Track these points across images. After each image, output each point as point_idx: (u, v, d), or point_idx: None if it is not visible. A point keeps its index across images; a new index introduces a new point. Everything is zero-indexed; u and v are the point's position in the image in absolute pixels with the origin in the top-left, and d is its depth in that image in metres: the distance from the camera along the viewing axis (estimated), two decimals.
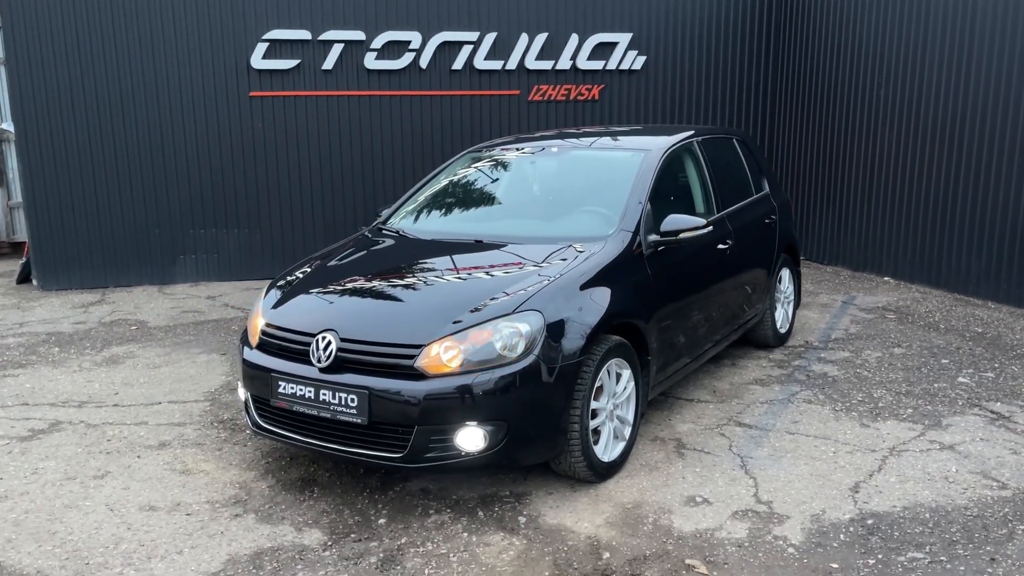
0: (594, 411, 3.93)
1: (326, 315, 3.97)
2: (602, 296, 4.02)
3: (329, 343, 3.75)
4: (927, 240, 8.17)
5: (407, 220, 5.15)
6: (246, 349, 4.15)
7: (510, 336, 3.63)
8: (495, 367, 3.58)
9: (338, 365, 3.72)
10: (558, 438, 3.76)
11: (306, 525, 3.68)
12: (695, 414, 4.93)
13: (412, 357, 3.60)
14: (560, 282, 3.93)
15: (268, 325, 4.11)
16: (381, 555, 3.43)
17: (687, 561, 3.34)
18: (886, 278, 8.63)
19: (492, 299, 3.80)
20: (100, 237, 8.77)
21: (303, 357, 3.83)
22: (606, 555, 3.40)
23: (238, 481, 4.12)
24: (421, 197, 5.36)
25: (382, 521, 3.72)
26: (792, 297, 6.51)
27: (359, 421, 3.63)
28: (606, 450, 4.04)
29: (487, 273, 4.16)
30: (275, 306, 4.22)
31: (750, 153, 6.25)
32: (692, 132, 5.49)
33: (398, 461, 3.61)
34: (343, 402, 3.65)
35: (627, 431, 4.20)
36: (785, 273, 6.36)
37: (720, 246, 5.15)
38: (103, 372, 5.90)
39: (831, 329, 6.79)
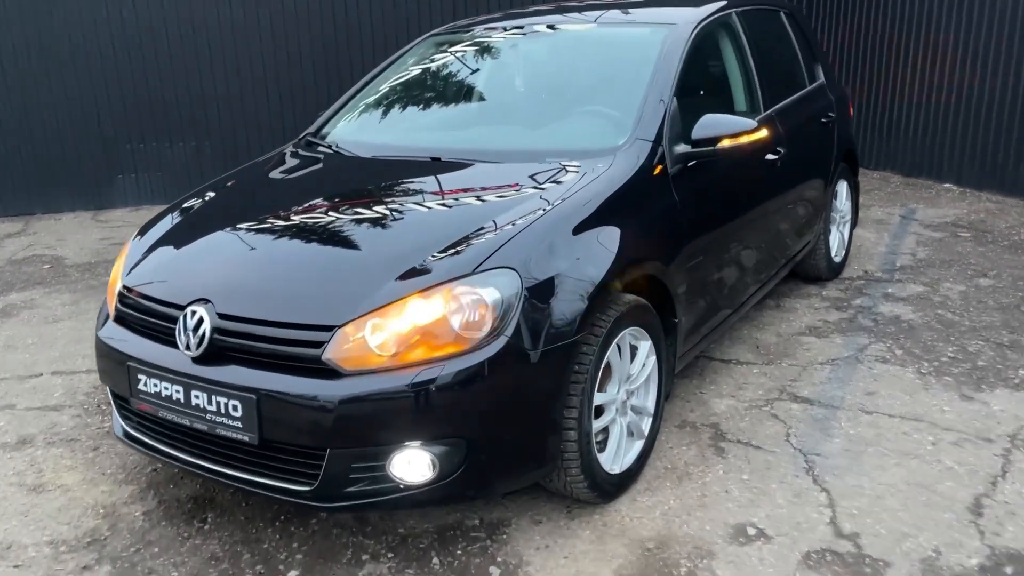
0: (599, 407, 2.71)
1: (203, 277, 2.71)
2: (610, 238, 2.74)
3: (201, 321, 2.51)
4: (1000, 140, 6.76)
5: (346, 129, 3.82)
6: (104, 321, 2.92)
7: (470, 308, 2.39)
8: (448, 356, 2.35)
9: (215, 353, 2.50)
10: (546, 453, 2.55)
11: None
12: (734, 382, 3.71)
13: (319, 345, 2.36)
14: (546, 220, 2.65)
15: (127, 289, 2.87)
16: None
17: None
18: (948, 185, 7.26)
19: (445, 251, 2.53)
20: (21, 155, 7.46)
21: (171, 339, 2.60)
22: None
23: (105, 504, 2.95)
24: (369, 98, 4.01)
25: (293, 574, 2.56)
26: (849, 217, 5.20)
27: (246, 439, 2.43)
28: (616, 457, 2.84)
29: (442, 207, 2.88)
30: (140, 260, 2.96)
31: (801, 31, 4.82)
32: (727, 1, 4.06)
33: (307, 497, 2.42)
34: (222, 409, 2.44)
35: (646, 424, 2.99)
36: (842, 187, 5.03)
37: (768, 156, 3.81)
38: None
39: (894, 254, 5.50)
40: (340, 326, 2.36)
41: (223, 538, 2.74)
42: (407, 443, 2.35)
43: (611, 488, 2.79)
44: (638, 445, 2.95)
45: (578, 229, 2.67)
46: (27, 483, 3.10)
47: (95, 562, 2.64)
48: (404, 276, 2.43)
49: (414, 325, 2.37)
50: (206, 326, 2.49)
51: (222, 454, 2.54)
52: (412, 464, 2.37)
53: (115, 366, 2.74)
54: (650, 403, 3.00)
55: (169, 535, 2.77)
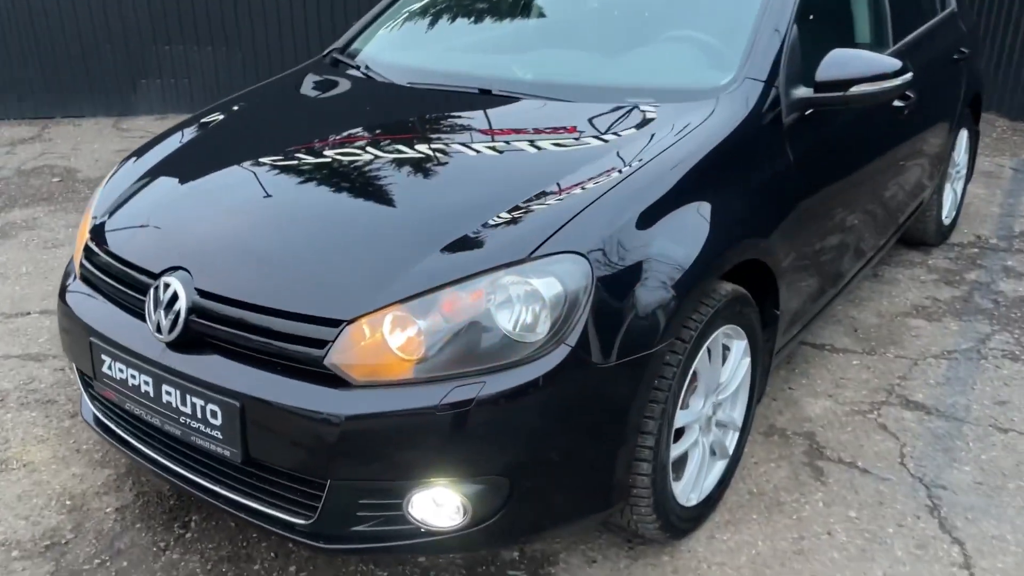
0: (678, 429, 2.12)
1: (184, 236, 2.13)
2: (708, 211, 2.10)
3: (175, 297, 1.95)
4: None
5: (380, 46, 3.14)
6: (71, 278, 2.38)
7: (522, 305, 1.78)
8: (491, 368, 1.76)
9: (194, 340, 1.94)
10: (611, 494, 1.98)
11: None
12: (831, 376, 3.08)
13: (322, 344, 1.79)
14: (627, 186, 2.01)
15: (95, 242, 2.30)
16: None
17: None
18: None
19: (490, 224, 1.91)
20: (39, 53, 6.88)
21: (141, 312, 2.05)
22: None
23: (73, 493, 2.47)
24: (410, 7, 3.32)
25: None
26: (964, 171, 4.44)
27: (227, 455, 1.89)
28: (695, 485, 2.26)
29: (491, 160, 2.24)
30: (119, 203, 2.39)
31: None
32: None
33: (304, 533, 1.89)
34: (198, 414, 1.90)
35: (732, 440, 2.40)
36: (963, 136, 4.25)
37: (895, 103, 3.08)
38: None
39: (1011, 216, 4.73)
40: (350, 322, 1.78)
41: (206, 552, 2.25)
42: (432, 480, 1.79)
43: (686, 525, 2.23)
44: (720, 466, 2.37)
45: (668, 199, 2.03)
46: None
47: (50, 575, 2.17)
48: (441, 250, 1.83)
49: (448, 324, 1.78)
50: (181, 304, 1.93)
51: (203, 463, 2.02)
52: (438, 505, 1.82)
53: (77, 338, 2.21)
54: (738, 414, 2.40)
55: (143, 544, 2.28)
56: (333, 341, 1.77)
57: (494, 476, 1.80)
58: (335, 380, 1.78)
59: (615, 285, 1.86)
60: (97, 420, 2.31)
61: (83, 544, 2.27)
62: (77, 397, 2.93)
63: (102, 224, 2.32)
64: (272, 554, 2.24)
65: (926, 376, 3.09)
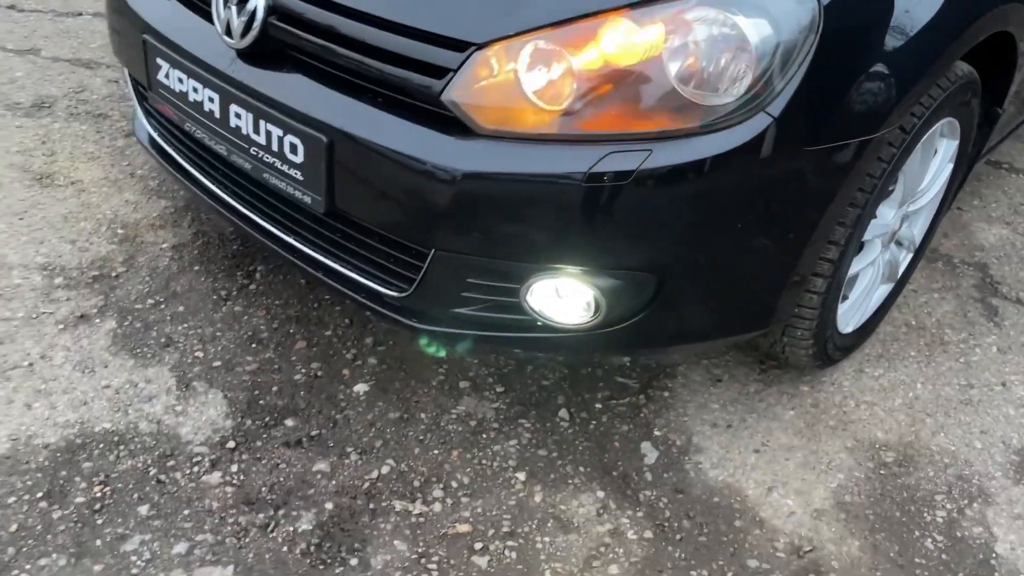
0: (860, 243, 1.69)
1: None
2: None
3: None
4: None
5: None
6: None
7: (714, 50, 1.30)
8: (660, 133, 1.31)
9: (273, 51, 1.50)
10: (775, 310, 1.58)
11: (204, 375, 1.77)
12: (1008, 200, 2.58)
13: (442, 73, 1.34)
14: None
15: None
16: (327, 509, 1.54)
17: None
18: None
19: None
20: None
21: (206, 9, 1.60)
22: None
23: (125, 222, 2.16)
24: None
25: (360, 390, 1.78)
26: None
27: (307, 201, 1.51)
28: (857, 310, 1.86)
29: None
30: None
31: None
32: None
33: (394, 308, 1.54)
34: (274, 145, 1.50)
35: (904, 262, 1.97)
36: None
37: None
38: None
39: None
40: (480, 46, 1.31)
41: (272, 308, 1.95)
42: (562, 266, 1.40)
43: (838, 355, 1.85)
44: (883, 290, 1.95)
45: None
46: (33, 168, 2.31)
47: (96, 311, 1.89)
48: None
49: (608, 66, 1.31)
50: (258, 4, 1.47)
51: (277, 208, 1.65)
52: (562, 297, 1.45)
53: (129, 35, 1.78)
54: (919, 231, 1.95)
55: (201, 289, 1.98)
56: (456, 71, 1.32)
57: (640, 271, 1.41)
58: (454, 124, 1.35)
59: (846, 40, 1.35)
60: (152, 141, 1.94)
61: (135, 280, 1.99)
62: (132, 114, 2.57)
63: None
64: (347, 320, 1.94)
65: None
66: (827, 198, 1.45)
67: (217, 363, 1.80)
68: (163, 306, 1.93)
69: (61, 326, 1.84)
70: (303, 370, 1.81)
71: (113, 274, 2.00)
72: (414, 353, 1.87)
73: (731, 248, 1.43)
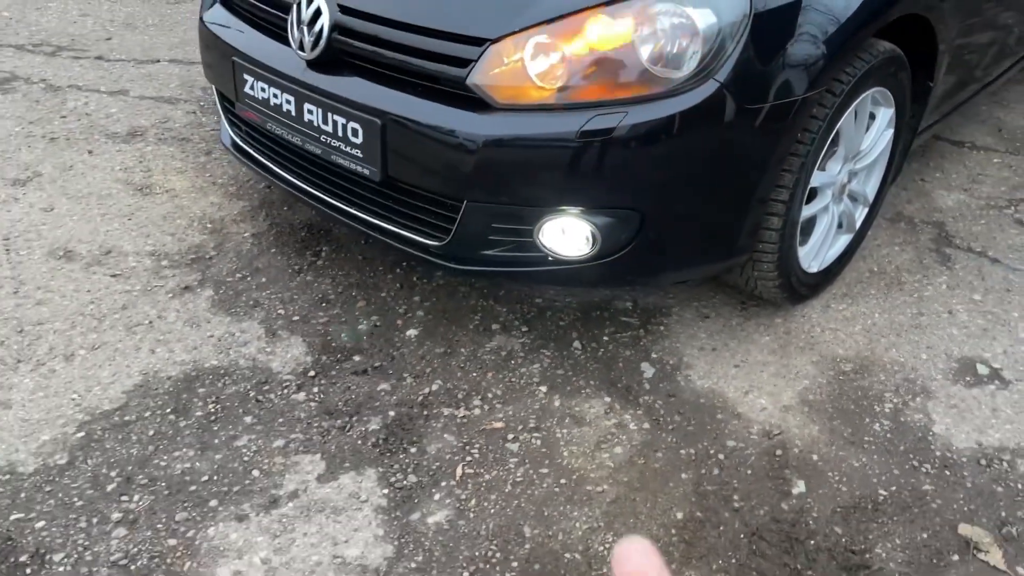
0: (811, 190, 2.08)
1: None
2: None
3: (318, 12, 1.94)
4: None
5: None
6: (210, 1, 2.40)
7: (671, 36, 1.72)
8: (632, 99, 1.73)
9: (335, 59, 1.96)
10: (737, 241, 1.98)
11: (286, 327, 2.20)
12: (968, 172, 2.94)
13: (465, 63, 1.78)
14: None
15: None
16: (390, 415, 1.95)
17: (960, 530, 1.71)
18: None
19: None
20: None
21: (282, 33, 2.07)
22: (799, 489, 1.79)
23: (212, 218, 2.62)
24: None
25: (411, 334, 2.19)
26: None
27: (366, 173, 1.95)
28: (818, 253, 2.24)
29: None
30: None
31: None
32: None
33: (436, 253, 1.97)
34: (339, 132, 1.94)
35: (860, 215, 2.35)
36: None
37: None
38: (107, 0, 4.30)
39: None
40: (494, 41, 1.75)
41: (337, 278, 2.38)
42: (564, 207, 1.82)
43: (804, 291, 2.23)
44: (844, 240, 2.33)
45: None
46: (134, 181, 2.79)
47: (197, 283, 2.34)
48: None
49: (592, 51, 1.74)
50: (324, 21, 1.93)
51: (340, 186, 2.09)
52: (566, 234, 1.86)
53: (219, 60, 2.26)
54: (871, 189, 2.33)
55: (278, 265, 2.43)
56: (476, 60, 1.76)
57: (626, 209, 1.82)
58: (476, 103, 1.79)
59: (772, 22, 1.77)
60: (235, 145, 2.41)
61: (225, 261, 2.44)
62: (209, 138, 3.05)
63: None
64: (398, 285, 2.36)
65: None
66: (770, 148, 1.85)
67: (296, 318, 2.23)
68: (249, 278, 2.37)
69: (170, 295, 2.29)
70: (364, 321, 2.24)
71: (207, 256, 2.45)
72: (454, 305, 2.28)
73: (696, 189, 1.84)
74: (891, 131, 2.25)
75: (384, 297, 2.32)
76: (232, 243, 2.51)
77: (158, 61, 3.68)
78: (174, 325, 2.19)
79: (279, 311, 2.25)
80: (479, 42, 1.76)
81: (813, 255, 2.21)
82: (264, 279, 2.37)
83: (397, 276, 2.40)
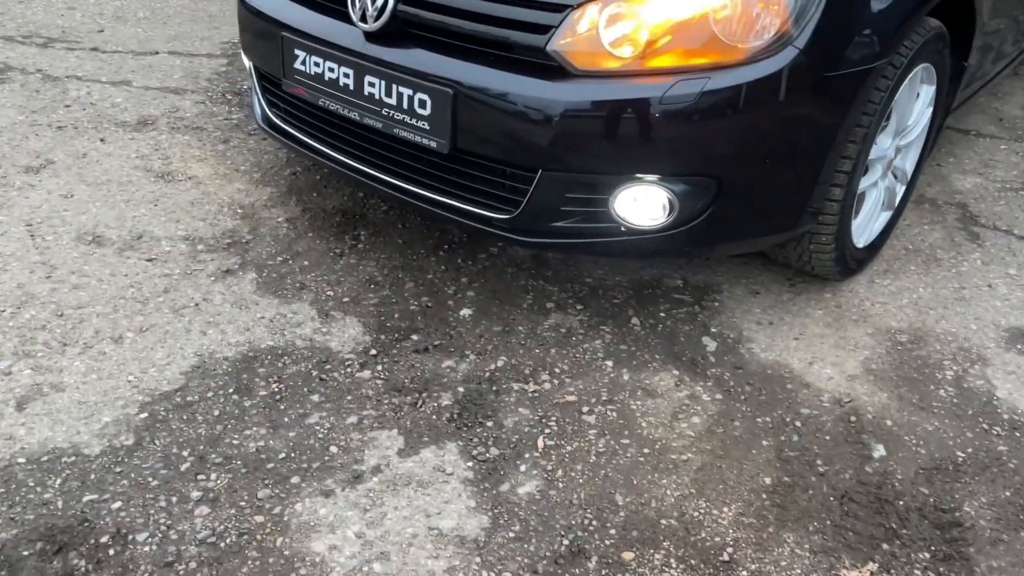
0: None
1: None
2: None
3: None
4: None
5: None
6: None
7: (755, 2, 1.73)
8: (712, 66, 1.74)
9: (399, 31, 1.92)
10: (803, 212, 1.99)
11: (338, 307, 2.15)
12: (978, 158, 3.03)
13: (545, 30, 1.76)
14: None
15: None
16: (459, 391, 1.91)
17: None
18: None
19: None
20: None
21: (340, 7, 2.03)
22: (879, 453, 1.80)
23: (242, 204, 2.55)
24: None
25: (465, 313, 2.16)
26: None
27: (433, 145, 1.91)
28: (866, 227, 2.28)
29: None
30: None
31: None
32: None
33: (504, 227, 1.94)
34: (405, 104, 1.91)
35: (899, 192, 2.40)
36: None
37: None
38: None
39: None
40: (575, 7, 1.74)
41: (380, 260, 2.33)
42: (642, 175, 1.81)
43: (854, 265, 2.26)
44: (884, 217, 2.37)
45: None
46: (153, 169, 2.70)
47: (238, 267, 2.27)
48: None
49: (669, 20, 1.74)
50: None
51: (396, 161, 2.05)
52: (642, 203, 1.85)
53: (264, 37, 2.20)
54: (910, 166, 2.38)
55: (319, 249, 2.37)
56: (557, 26, 1.75)
57: (704, 176, 1.82)
58: (551, 71, 1.77)
59: None
60: (271, 123, 2.35)
61: (263, 244, 2.37)
62: (224, 127, 2.97)
63: None
64: (443, 267, 2.32)
65: None
66: (841, 117, 1.87)
67: (346, 299, 2.18)
68: (291, 262, 2.31)
69: (212, 278, 2.22)
70: (415, 302, 2.19)
71: (243, 240, 2.38)
72: (504, 285, 2.26)
73: (772, 157, 1.85)
74: (930, 109, 2.30)
75: (431, 279, 2.28)
76: (267, 228, 2.44)
77: (157, 53, 3.58)
78: (222, 307, 2.11)
79: (328, 292, 2.20)
80: (560, 8, 1.74)
81: (862, 229, 2.24)
82: (306, 262, 2.31)
83: (440, 258, 2.36)
